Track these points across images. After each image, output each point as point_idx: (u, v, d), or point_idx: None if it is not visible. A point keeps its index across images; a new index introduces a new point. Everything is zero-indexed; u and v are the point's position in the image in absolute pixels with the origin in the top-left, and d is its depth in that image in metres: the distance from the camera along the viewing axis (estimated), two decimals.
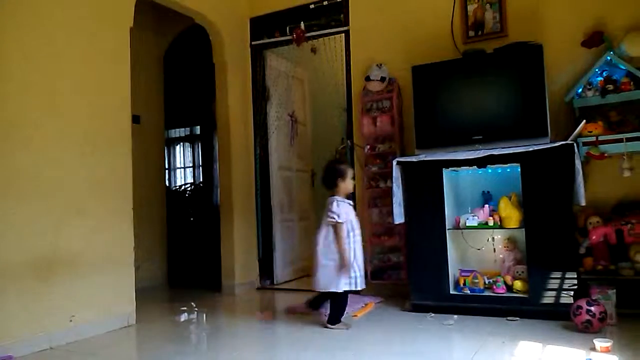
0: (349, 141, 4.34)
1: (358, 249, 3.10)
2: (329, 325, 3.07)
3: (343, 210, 3.05)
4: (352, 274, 3.04)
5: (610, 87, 3.22)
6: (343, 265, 2.99)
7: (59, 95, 3.11)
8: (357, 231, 3.12)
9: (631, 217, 3.11)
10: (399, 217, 3.47)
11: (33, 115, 2.96)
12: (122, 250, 3.44)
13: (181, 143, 7.08)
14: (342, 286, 3.02)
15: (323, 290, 3.09)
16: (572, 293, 2.96)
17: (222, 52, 4.62)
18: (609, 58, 3.27)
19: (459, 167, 3.39)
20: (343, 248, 3.01)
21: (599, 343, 2.40)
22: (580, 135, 3.16)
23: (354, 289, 3.07)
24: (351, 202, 3.20)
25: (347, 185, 3.16)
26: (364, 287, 3.12)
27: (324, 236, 3.08)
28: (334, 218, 3.03)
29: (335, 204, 3.07)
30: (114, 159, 3.44)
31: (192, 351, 2.92)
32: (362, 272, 3.09)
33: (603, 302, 2.82)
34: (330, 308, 3.11)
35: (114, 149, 3.44)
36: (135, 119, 4.63)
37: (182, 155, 7.08)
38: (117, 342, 3.07)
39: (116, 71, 3.51)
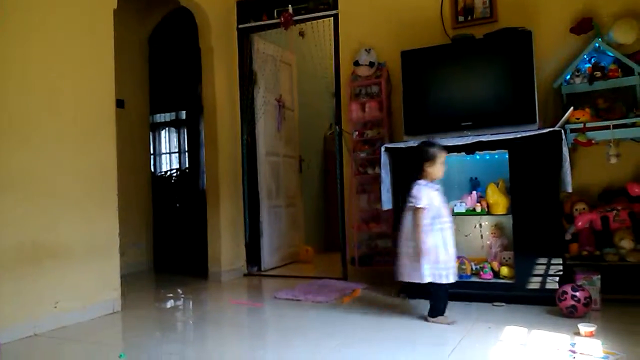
0: (337, 127, 4.32)
1: (448, 237, 2.80)
2: (429, 318, 2.83)
3: (425, 195, 2.78)
4: (441, 265, 2.76)
5: (598, 74, 3.24)
6: (418, 253, 2.75)
7: (41, 78, 3.03)
8: (445, 218, 2.82)
9: (616, 203, 3.14)
10: (387, 203, 3.47)
11: (15, 99, 2.89)
12: (107, 237, 3.39)
13: (167, 128, 6.99)
14: (426, 277, 2.75)
15: (405, 280, 2.87)
16: (557, 279, 2.99)
17: (209, 36, 4.55)
18: (597, 45, 3.28)
19: (448, 153, 3.37)
20: (419, 234, 2.75)
21: (584, 328, 2.43)
22: (567, 122, 3.17)
23: (439, 281, 2.76)
24: (438, 186, 2.89)
25: (435, 170, 2.85)
26: (455, 279, 2.83)
27: (405, 222, 2.87)
28: (412, 202, 2.79)
29: (416, 187, 2.82)
30: (98, 144, 3.37)
31: (178, 338, 2.90)
32: (454, 263, 2.83)
33: (588, 288, 2.85)
34: (430, 299, 2.87)
35: (97, 134, 3.37)
36: (120, 104, 4.56)
37: (167, 141, 6.99)
38: (101, 328, 3.04)
39: (100, 54, 3.42)
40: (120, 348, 2.69)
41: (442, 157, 2.86)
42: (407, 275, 2.83)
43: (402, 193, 3.43)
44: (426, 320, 2.83)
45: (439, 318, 2.81)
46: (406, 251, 2.83)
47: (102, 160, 3.39)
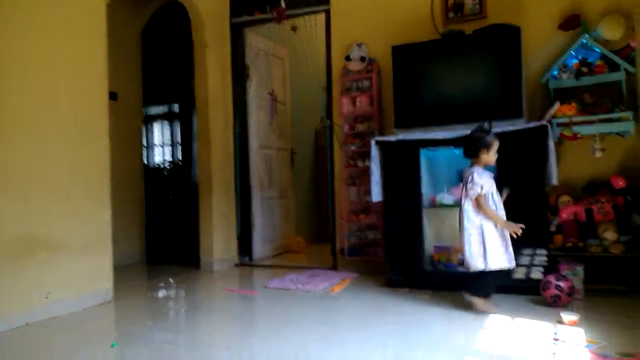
0: (328, 120, 4.36)
1: None
2: (469, 296, 2.82)
3: (485, 181, 2.78)
4: (508, 249, 2.78)
5: (585, 69, 3.29)
6: (508, 229, 2.75)
7: (35, 73, 3.04)
8: (500, 205, 2.83)
9: (600, 196, 3.20)
10: (376, 195, 3.52)
11: (13, 97, 2.91)
12: (100, 228, 3.42)
13: (160, 121, 6.99)
14: (493, 264, 2.76)
15: (473, 270, 2.82)
16: (542, 269, 3.05)
17: (202, 30, 4.57)
18: (584, 41, 3.32)
19: (436, 146, 3.44)
20: (492, 214, 2.76)
21: (567, 316, 2.50)
22: (554, 116, 3.22)
23: (505, 266, 2.79)
24: (492, 173, 2.88)
25: (490, 157, 2.84)
26: (514, 264, 2.82)
27: (464, 210, 2.84)
28: (476, 190, 2.77)
29: (476, 175, 2.78)
30: (92, 137, 3.39)
31: (170, 326, 2.94)
32: (510, 249, 2.81)
33: (571, 278, 2.93)
34: (478, 281, 2.86)
35: (91, 127, 3.39)
36: (113, 96, 4.57)
37: (160, 133, 6.99)
38: (94, 318, 3.07)
39: (93, 47, 3.43)
40: (113, 337, 2.71)
41: (497, 144, 2.85)
42: (473, 263, 2.79)
43: (391, 185, 3.50)
44: (468, 297, 2.82)
45: (480, 301, 2.80)
46: (468, 240, 2.81)
47: (96, 153, 3.41)
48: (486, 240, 2.77)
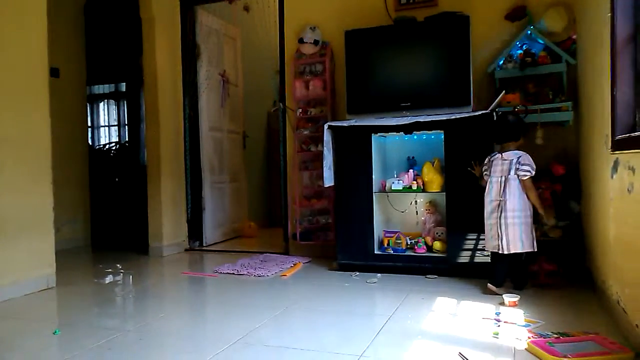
0: (281, 104, 4.32)
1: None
2: (493, 287, 2.83)
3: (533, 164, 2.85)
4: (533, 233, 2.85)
5: (529, 60, 3.39)
6: (544, 216, 2.88)
7: None
8: None
9: (540, 183, 3.34)
10: (328, 180, 3.54)
11: None
12: (41, 211, 3.28)
13: (105, 100, 6.73)
14: (535, 245, 2.83)
15: (521, 251, 2.81)
16: (486, 253, 3.16)
17: (150, 5, 4.40)
18: (529, 32, 3.43)
19: (387, 132, 3.48)
20: (537, 197, 2.85)
21: (508, 298, 2.61)
22: (499, 105, 3.32)
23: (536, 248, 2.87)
24: None
25: (522, 141, 2.98)
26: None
27: (516, 193, 2.83)
28: (529, 172, 2.81)
29: (528, 157, 2.84)
30: (31, 114, 3.23)
31: (117, 313, 2.87)
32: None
33: None
34: (518, 270, 2.90)
35: (30, 103, 3.22)
36: (54, 72, 4.36)
37: (106, 113, 6.74)
38: (35, 305, 2.96)
39: (32, 19, 3.25)
40: (55, 324, 2.61)
41: None
42: (523, 244, 2.81)
43: (343, 170, 3.52)
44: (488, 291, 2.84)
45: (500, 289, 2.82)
46: (526, 222, 2.82)
47: (35, 130, 3.25)
48: (531, 224, 2.84)
